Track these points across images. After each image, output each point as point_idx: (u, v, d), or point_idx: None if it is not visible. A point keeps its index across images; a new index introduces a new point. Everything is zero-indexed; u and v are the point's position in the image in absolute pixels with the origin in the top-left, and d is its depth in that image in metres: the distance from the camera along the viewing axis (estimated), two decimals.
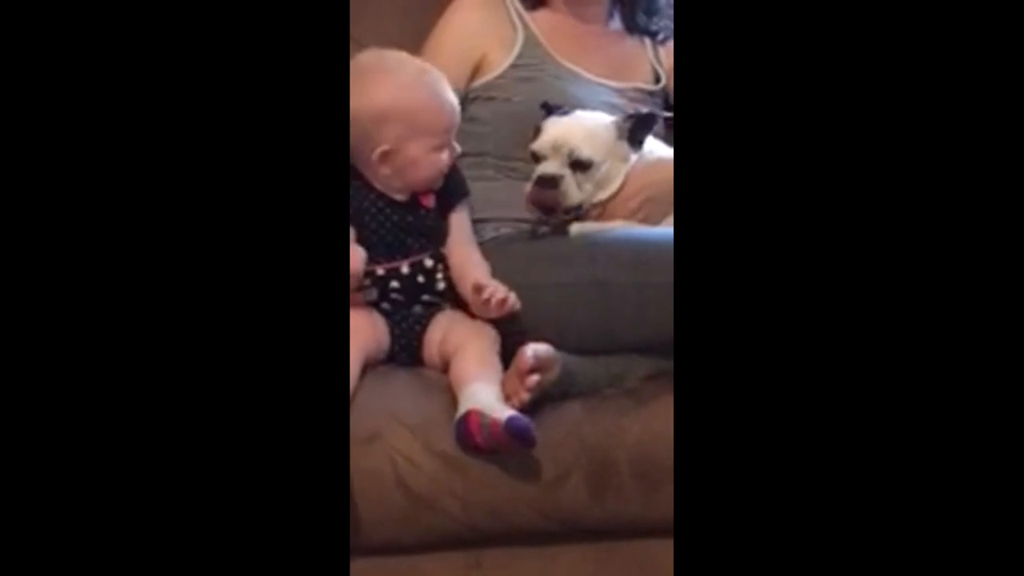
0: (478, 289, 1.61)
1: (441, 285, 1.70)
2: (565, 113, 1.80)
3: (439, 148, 1.67)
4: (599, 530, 1.55)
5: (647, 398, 1.57)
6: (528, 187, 1.75)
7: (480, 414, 1.47)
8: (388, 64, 1.69)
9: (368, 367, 1.60)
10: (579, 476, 1.53)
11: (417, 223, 1.69)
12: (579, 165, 1.73)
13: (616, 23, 2.03)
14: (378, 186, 1.68)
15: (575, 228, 1.75)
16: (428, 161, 1.67)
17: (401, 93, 1.65)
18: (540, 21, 1.97)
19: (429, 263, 1.69)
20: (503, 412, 1.47)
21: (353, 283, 1.60)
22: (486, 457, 1.50)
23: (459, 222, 1.74)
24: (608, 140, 1.76)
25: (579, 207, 1.75)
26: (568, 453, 1.53)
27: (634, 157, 1.77)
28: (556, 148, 1.74)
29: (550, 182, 1.72)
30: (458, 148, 1.71)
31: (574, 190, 1.73)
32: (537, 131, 1.78)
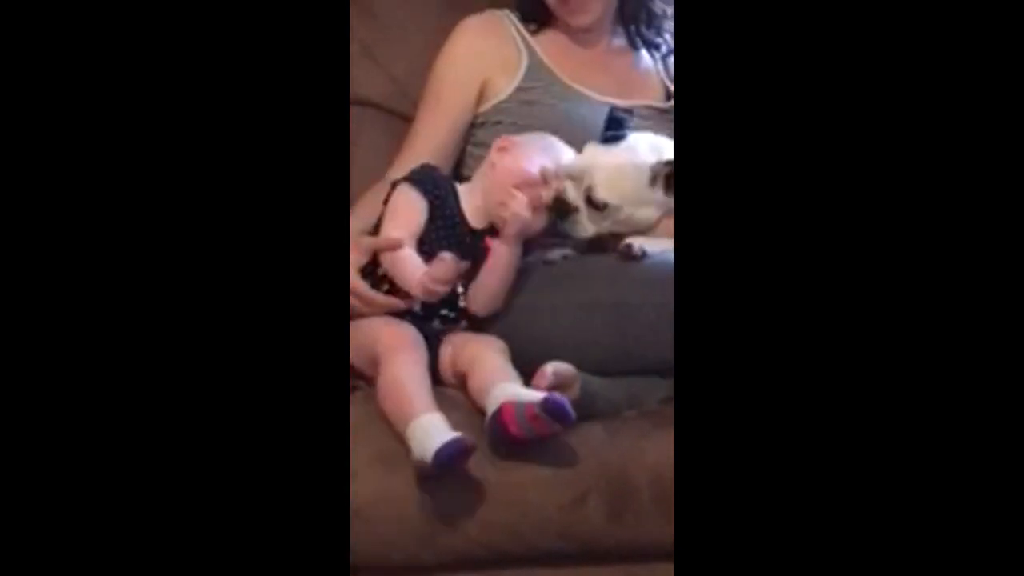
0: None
1: (462, 302, 1.69)
2: (620, 137, 1.73)
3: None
4: (617, 553, 1.54)
5: (667, 421, 1.53)
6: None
7: (514, 404, 1.47)
8: None
9: None
10: (598, 498, 1.52)
11: (466, 251, 1.67)
12: (593, 204, 1.70)
13: (620, 39, 2.02)
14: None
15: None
16: None
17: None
18: (544, 43, 1.97)
19: (460, 288, 1.67)
20: (537, 395, 1.47)
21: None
22: (506, 476, 1.50)
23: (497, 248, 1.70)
24: (636, 185, 1.70)
25: (593, 236, 1.72)
26: (587, 475, 1.52)
27: (670, 203, 1.69)
28: (577, 178, 1.71)
29: (560, 209, 1.70)
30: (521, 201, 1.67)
31: (585, 223, 1.71)
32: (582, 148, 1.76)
